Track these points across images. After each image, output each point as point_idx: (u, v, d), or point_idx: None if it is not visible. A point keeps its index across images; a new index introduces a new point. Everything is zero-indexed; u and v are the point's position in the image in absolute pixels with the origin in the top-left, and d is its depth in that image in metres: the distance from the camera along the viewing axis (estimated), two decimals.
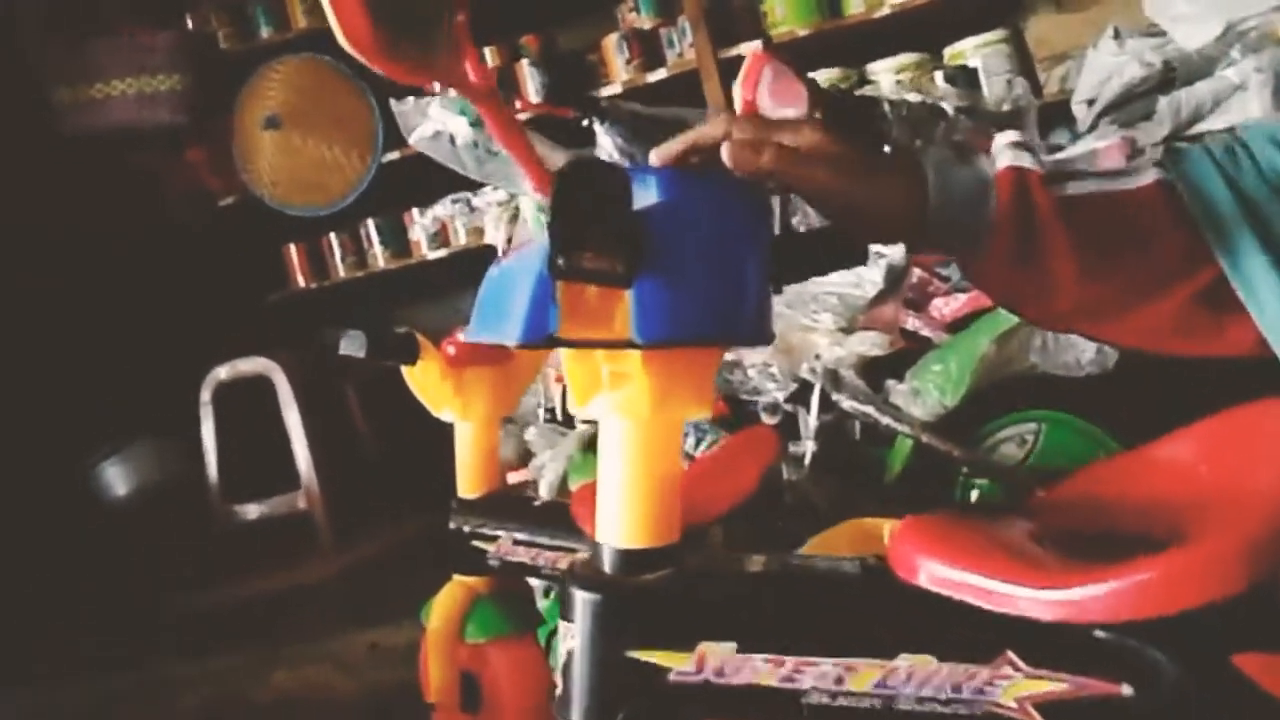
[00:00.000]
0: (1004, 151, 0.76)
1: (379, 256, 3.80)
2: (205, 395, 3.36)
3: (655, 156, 0.75)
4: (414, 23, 0.61)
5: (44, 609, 2.67)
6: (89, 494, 3.32)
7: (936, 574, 0.70)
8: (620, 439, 0.73)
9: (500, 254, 2.51)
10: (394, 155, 3.57)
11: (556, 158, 1.93)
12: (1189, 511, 0.71)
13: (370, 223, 3.78)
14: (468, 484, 1.51)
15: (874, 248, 1.72)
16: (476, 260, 2.91)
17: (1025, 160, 0.75)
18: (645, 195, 0.68)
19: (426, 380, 1.45)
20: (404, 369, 1.44)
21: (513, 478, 2.02)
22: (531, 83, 3.53)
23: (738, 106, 0.89)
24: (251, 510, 3.34)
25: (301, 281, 3.88)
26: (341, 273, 3.86)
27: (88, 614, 2.68)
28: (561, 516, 1.38)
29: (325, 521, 3.25)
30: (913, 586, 0.72)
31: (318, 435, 3.30)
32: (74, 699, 2.24)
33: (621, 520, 0.74)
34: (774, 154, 0.73)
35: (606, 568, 0.74)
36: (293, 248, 3.86)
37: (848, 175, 0.75)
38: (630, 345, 0.66)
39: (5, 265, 3.20)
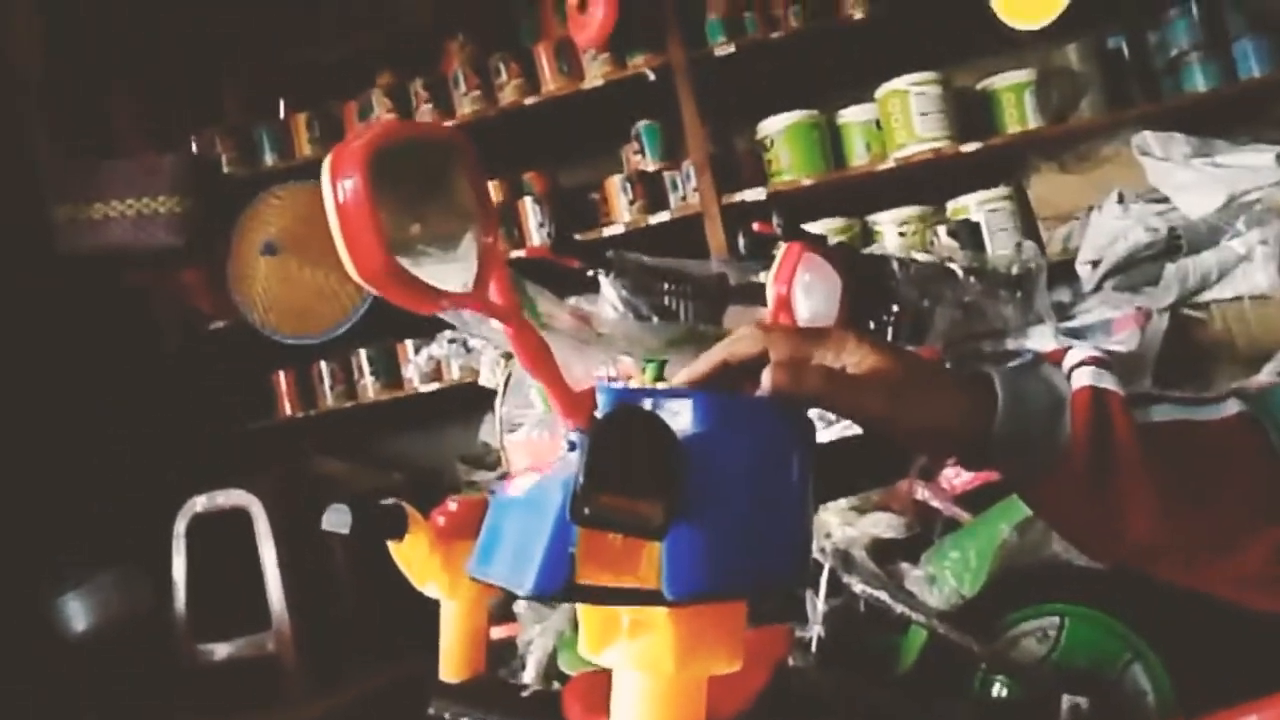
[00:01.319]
0: (1081, 369, 0.69)
1: (369, 387, 3.73)
2: (180, 527, 3.23)
3: (684, 377, 0.68)
4: (435, 244, 0.55)
5: None
6: (49, 628, 3.15)
7: None
8: (639, 694, 0.64)
9: (498, 394, 2.44)
10: None
11: (556, 310, 1.88)
12: None
13: (362, 353, 3.72)
14: (451, 667, 1.39)
15: None
16: (469, 393, 2.84)
17: (1106, 381, 0.68)
18: (679, 424, 0.61)
19: (413, 553, 1.35)
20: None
21: (495, 632, 1.91)
22: (533, 219, 3.52)
23: (770, 299, 0.83)
24: (219, 650, 3.18)
25: (288, 409, 3.80)
26: (330, 402, 3.78)
27: None
28: (552, 711, 1.27)
29: (295, 667, 3.09)
30: None
31: (294, 574, 3.16)
32: None
33: None
34: (820, 378, 0.66)
35: None
36: (281, 375, 3.79)
37: (903, 397, 0.67)
38: (659, 601, 0.57)
39: None
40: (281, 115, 3.83)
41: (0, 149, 3.49)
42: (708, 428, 0.60)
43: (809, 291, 0.83)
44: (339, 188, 0.51)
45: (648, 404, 0.61)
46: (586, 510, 0.53)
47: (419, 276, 0.52)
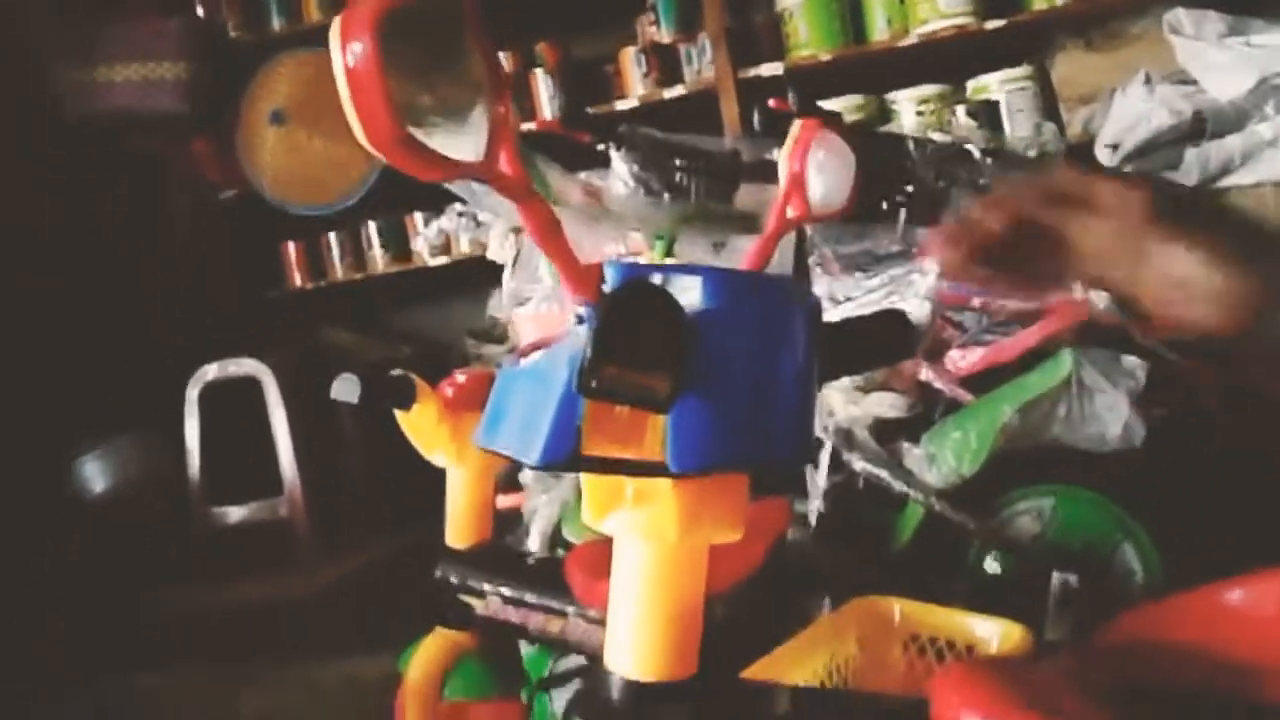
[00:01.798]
0: None
1: (378, 259, 3.72)
2: (192, 394, 3.28)
3: (936, 242, 0.67)
4: (445, 114, 0.54)
5: (16, 613, 2.58)
6: (68, 489, 3.23)
7: None
8: (640, 561, 0.66)
9: (507, 268, 2.44)
10: None
11: (567, 185, 1.86)
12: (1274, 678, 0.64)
13: (372, 225, 3.70)
14: (457, 533, 1.43)
15: (893, 305, 1.66)
16: (478, 266, 2.84)
17: None
18: (688, 300, 0.61)
19: (421, 423, 1.37)
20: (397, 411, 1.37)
21: (502, 501, 1.95)
22: (545, 91, 3.46)
23: (783, 176, 0.83)
24: (232, 514, 3.26)
25: (299, 280, 3.80)
26: (340, 274, 3.78)
27: (57, 617, 2.60)
28: (554, 577, 1.31)
29: (307, 531, 3.17)
30: None
31: (305, 442, 3.22)
32: (44, 715, 2.16)
33: (635, 649, 0.67)
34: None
35: (615, 700, 0.67)
36: (291, 246, 3.78)
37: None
38: (663, 473, 0.59)
39: None
40: None
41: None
42: (717, 304, 0.60)
43: (823, 170, 0.82)
44: (348, 52, 0.50)
45: (657, 279, 0.61)
46: (594, 383, 0.54)
47: (429, 145, 0.51)
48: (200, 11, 3.69)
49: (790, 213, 0.83)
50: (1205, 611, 0.74)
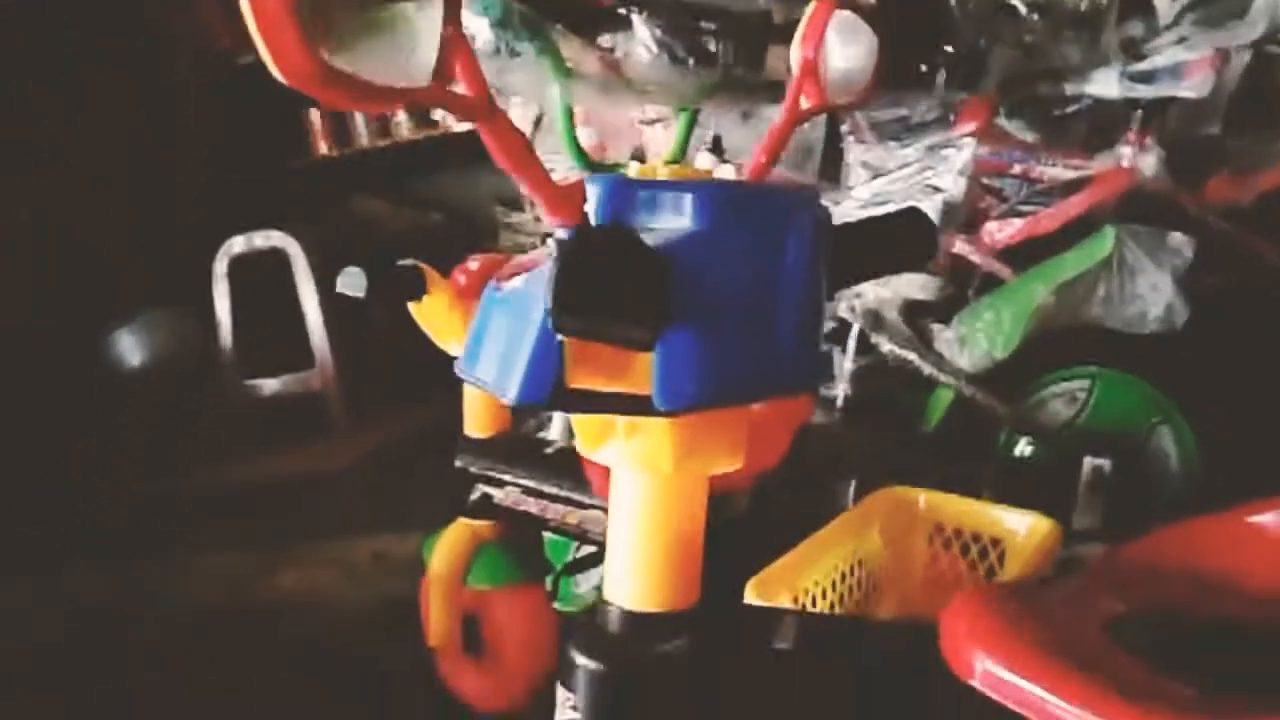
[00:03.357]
0: None
1: (403, 125, 3.63)
2: (220, 268, 3.26)
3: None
4: (382, 35, 0.48)
5: (50, 488, 2.64)
6: (101, 363, 3.26)
7: (996, 679, 0.60)
8: (636, 493, 0.63)
9: (529, 134, 2.35)
10: None
11: (584, 55, 1.77)
12: None
13: None
14: (475, 423, 1.41)
15: (928, 181, 1.58)
16: None
17: None
18: (677, 221, 0.56)
19: (434, 313, 1.33)
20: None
21: None
22: None
23: (795, 64, 0.75)
24: (266, 386, 3.28)
25: (324, 148, 3.73)
26: (365, 140, 3.70)
27: (95, 494, 2.65)
28: (573, 468, 1.29)
29: (340, 403, 3.19)
30: (967, 689, 0.62)
31: (335, 314, 3.20)
32: (78, 590, 2.21)
33: (633, 580, 0.64)
34: None
35: (614, 631, 0.65)
36: (314, 113, 3.69)
37: None
38: (651, 411, 0.54)
39: (18, 124, 3.07)
40: None
41: None
42: (708, 225, 0.55)
43: (839, 54, 0.75)
44: None
45: (642, 196, 0.56)
46: (565, 324, 0.49)
47: (357, 73, 0.46)
48: None
49: (805, 102, 0.76)
50: (1234, 534, 0.70)
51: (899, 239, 0.72)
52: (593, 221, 0.55)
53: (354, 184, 3.75)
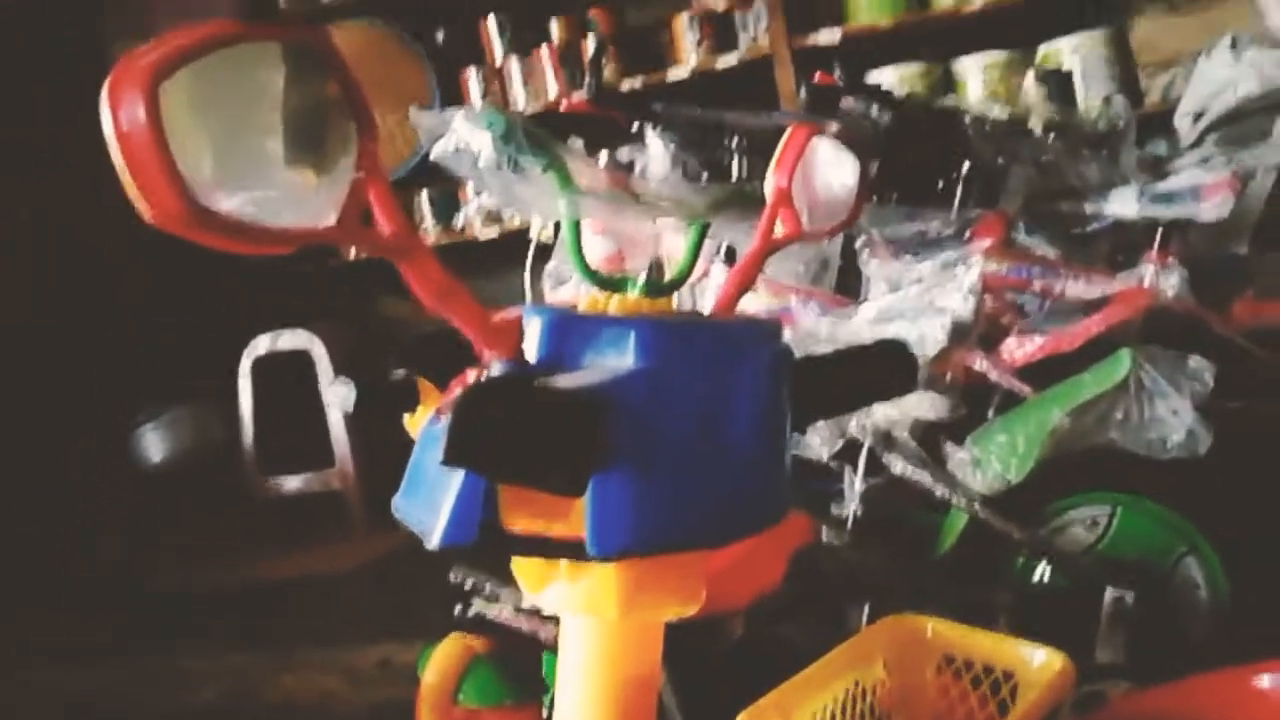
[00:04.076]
0: None
1: (430, 231, 3.68)
2: (245, 365, 3.29)
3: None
4: (292, 167, 0.46)
5: (63, 581, 2.63)
6: (126, 458, 3.28)
7: None
8: (581, 638, 0.59)
9: (534, 243, 2.36)
10: None
11: (592, 171, 1.78)
12: None
13: (424, 195, 3.66)
14: None
15: (939, 301, 1.56)
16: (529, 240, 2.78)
17: None
18: (618, 358, 0.53)
19: None
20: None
21: None
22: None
23: (769, 192, 0.74)
24: (288, 484, 3.28)
25: (353, 250, 3.78)
26: None
27: (107, 589, 2.63)
28: None
29: (358, 502, 3.18)
30: None
31: (355, 417, 3.20)
32: (79, 684, 2.19)
33: None
34: None
35: None
36: None
37: None
38: (584, 556, 0.51)
39: (58, 218, 3.16)
40: None
41: None
42: (651, 362, 0.53)
43: (815, 183, 0.74)
44: (121, 116, 0.42)
45: (583, 331, 0.54)
46: (489, 477, 0.47)
47: (251, 216, 0.44)
48: None
49: (780, 229, 0.74)
50: (1236, 696, 0.64)
51: (877, 370, 0.70)
52: (531, 356, 0.54)
53: (383, 285, 3.79)
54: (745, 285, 0.74)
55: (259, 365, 3.30)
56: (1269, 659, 0.66)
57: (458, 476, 0.51)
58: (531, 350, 0.54)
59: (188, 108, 0.42)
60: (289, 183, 0.47)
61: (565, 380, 0.49)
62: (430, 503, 0.53)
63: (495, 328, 0.55)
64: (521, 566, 0.58)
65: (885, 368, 0.69)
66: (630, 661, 0.59)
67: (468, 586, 1.38)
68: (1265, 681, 0.62)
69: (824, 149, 0.74)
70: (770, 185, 0.74)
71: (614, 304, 0.60)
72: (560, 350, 0.53)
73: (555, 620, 1.31)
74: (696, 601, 0.60)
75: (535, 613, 1.33)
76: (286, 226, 0.46)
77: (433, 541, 0.52)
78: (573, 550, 0.51)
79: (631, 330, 0.53)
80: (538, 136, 1.44)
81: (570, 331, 0.54)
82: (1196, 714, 0.65)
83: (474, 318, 0.54)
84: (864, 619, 1.44)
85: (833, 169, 0.76)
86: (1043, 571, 1.50)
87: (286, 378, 3.29)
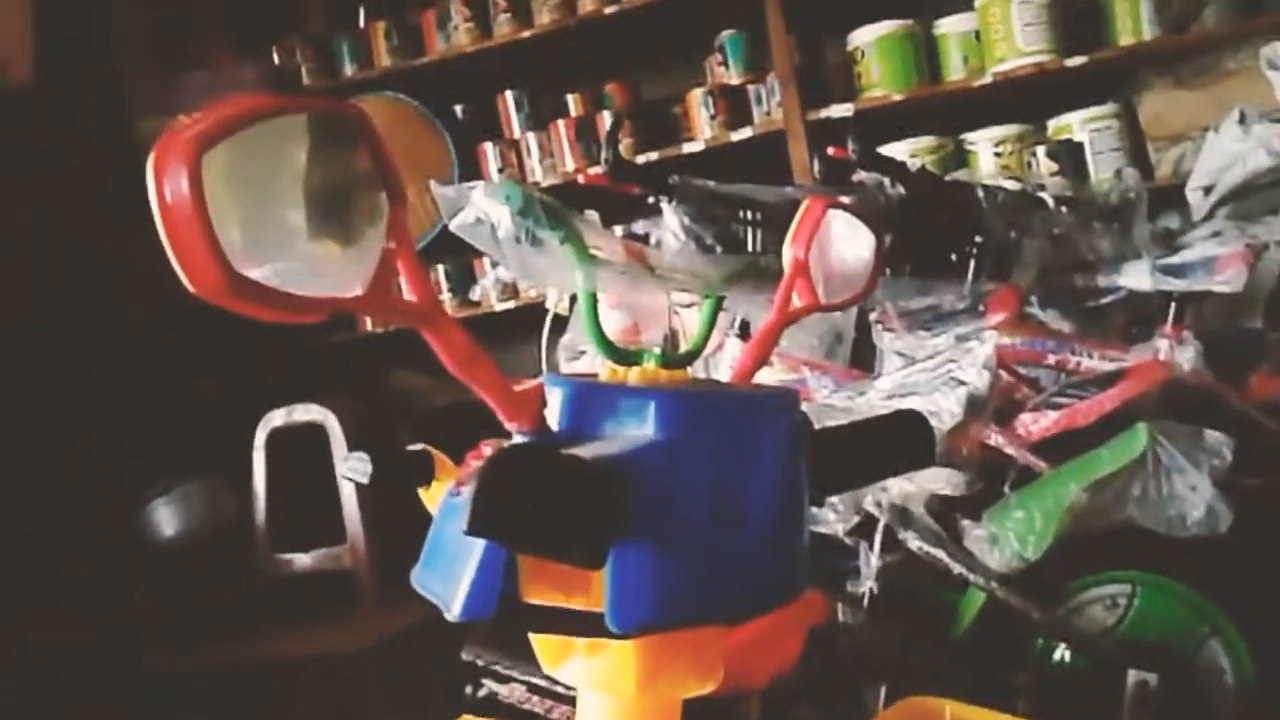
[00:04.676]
0: None
1: (446, 304, 3.70)
2: (259, 439, 3.29)
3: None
4: (323, 237, 0.47)
5: (62, 660, 2.60)
6: (138, 533, 3.26)
7: None
8: (599, 716, 0.58)
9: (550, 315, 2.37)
10: None
11: (607, 243, 1.79)
12: None
13: (440, 269, 3.69)
14: None
15: (953, 374, 1.55)
16: (545, 312, 2.79)
17: None
18: (639, 429, 0.53)
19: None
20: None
21: None
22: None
23: (786, 263, 0.74)
24: (298, 561, 3.25)
25: (369, 324, 3.81)
26: None
27: (117, 664, 2.60)
28: None
29: (369, 581, 3.14)
30: None
31: (370, 490, 3.18)
32: None
33: None
34: None
35: None
36: None
37: None
38: (604, 632, 0.51)
39: (69, 288, 3.19)
40: (361, 24, 3.76)
41: (92, 61, 3.50)
42: (670, 433, 0.53)
43: (831, 256, 0.74)
44: (164, 188, 0.43)
45: (603, 402, 0.54)
46: (504, 541, 0.47)
47: (283, 285, 0.45)
48: (276, 58, 3.75)
49: (797, 301, 0.75)
50: None
51: (895, 442, 0.69)
52: (553, 426, 0.53)
53: (395, 359, 3.81)
54: (763, 357, 0.75)
55: (273, 438, 3.29)
56: None
57: (478, 549, 0.50)
58: (553, 420, 0.54)
59: (223, 179, 0.43)
60: (314, 254, 0.48)
61: (586, 450, 0.49)
62: (450, 575, 0.53)
63: (518, 398, 0.55)
64: (540, 641, 0.58)
65: (903, 439, 0.69)
66: None
67: (480, 664, 1.36)
68: None
69: (839, 222, 0.75)
70: (788, 257, 0.74)
71: (633, 375, 0.60)
72: (582, 420, 0.54)
73: (568, 701, 1.29)
74: (715, 679, 0.59)
75: (548, 693, 1.31)
76: (319, 295, 0.47)
77: (453, 613, 0.51)
78: (592, 624, 0.51)
79: (652, 401, 0.53)
80: (555, 209, 1.46)
81: (591, 402, 0.54)
82: None
83: (497, 387, 0.54)
84: (880, 701, 1.41)
85: (848, 241, 0.76)
86: (1063, 653, 1.47)
87: (299, 453, 3.28)
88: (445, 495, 0.58)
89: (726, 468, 0.54)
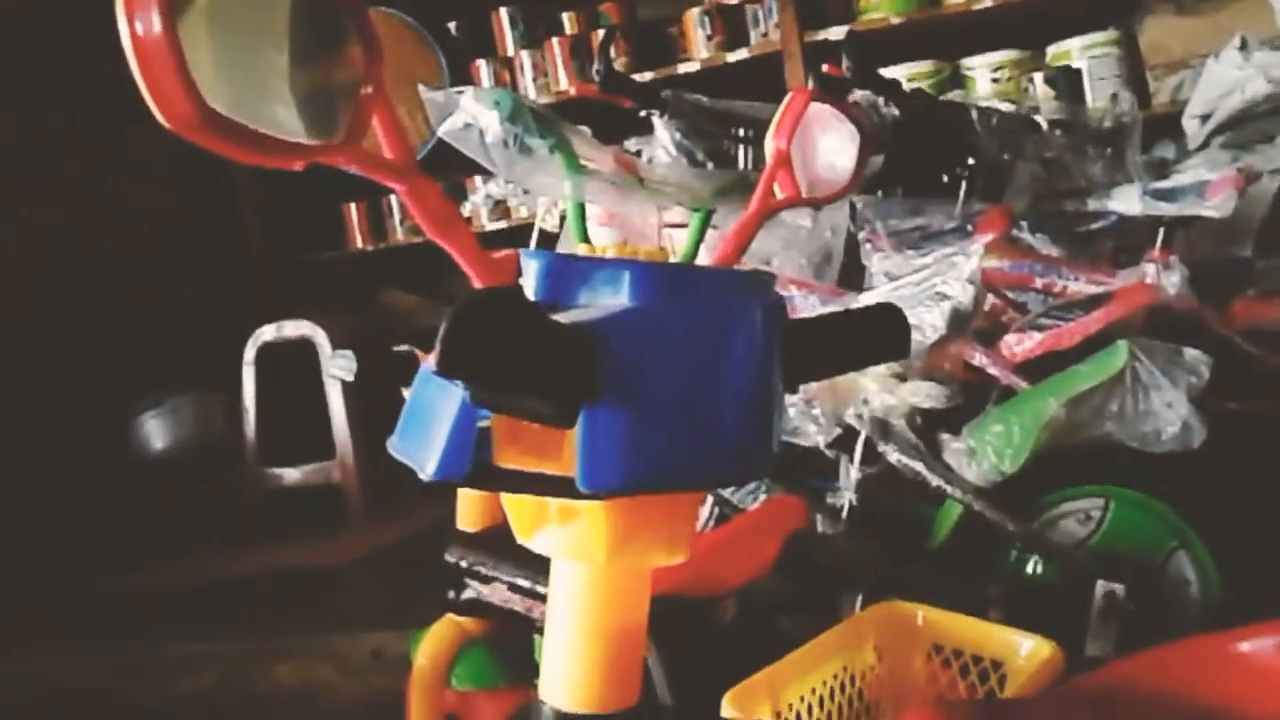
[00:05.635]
0: None
1: None
2: (249, 354, 3.30)
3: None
4: (301, 91, 0.47)
5: (67, 564, 2.63)
6: (127, 447, 3.28)
7: None
8: (570, 584, 0.60)
9: (536, 229, 2.37)
10: None
11: (598, 153, 1.78)
12: None
13: None
14: (468, 517, 1.39)
15: (938, 288, 1.56)
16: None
17: None
18: (614, 298, 0.54)
19: None
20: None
21: None
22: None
23: (768, 155, 0.75)
24: (287, 475, 3.28)
25: (360, 242, 3.80)
26: (400, 236, 3.77)
27: (110, 573, 2.64)
28: None
29: (358, 496, 3.18)
30: None
31: (358, 405, 3.21)
32: (67, 671, 2.18)
33: (569, 679, 0.61)
34: None
35: None
36: (352, 207, 3.77)
37: None
38: (574, 493, 0.52)
39: (63, 207, 3.17)
40: None
41: None
42: (645, 302, 0.53)
43: (814, 148, 0.74)
44: (135, 21, 0.43)
45: (579, 271, 0.55)
46: (480, 395, 0.47)
47: (251, 125, 0.45)
48: None
49: (779, 193, 0.75)
50: (1222, 660, 0.65)
51: (870, 333, 0.70)
52: (528, 295, 0.54)
53: (387, 278, 3.80)
54: (743, 245, 0.75)
55: (263, 354, 3.30)
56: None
57: (452, 411, 0.51)
58: (529, 290, 0.55)
59: (202, 15, 0.43)
60: (291, 96, 0.48)
61: (562, 316, 0.50)
62: (425, 439, 0.54)
63: (493, 263, 0.55)
64: (514, 511, 0.59)
65: (878, 330, 0.69)
66: (617, 609, 0.60)
67: (464, 566, 1.38)
68: (1245, 646, 0.62)
69: (822, 116, 0.75)
70: (769, 148, 0.74)
71: (610, 252, 0.60)
72: (557, 290, 0.54)
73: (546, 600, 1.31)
74: (684, 551, 0.60)
75: (530, 593, 1.33)
76: (294, 139, 0.47)
77: (427, 472, 0.52)
78: (562, 486, 0.52)
79: (627, 270, 0.54)
80: (545, 118, 1.45)
81: (568, 272, 0.55)
82: (1178, 679, 0.65)
83: (471, 250, 0.55)
84: (856, 609, 1.44)
85: (831, 137, 0.76)
86: (1036, 564, 1.50)
87: (288, 370, 3.29)
88: (421, 369, 0.59)
89: (700, 339, 0.55)
